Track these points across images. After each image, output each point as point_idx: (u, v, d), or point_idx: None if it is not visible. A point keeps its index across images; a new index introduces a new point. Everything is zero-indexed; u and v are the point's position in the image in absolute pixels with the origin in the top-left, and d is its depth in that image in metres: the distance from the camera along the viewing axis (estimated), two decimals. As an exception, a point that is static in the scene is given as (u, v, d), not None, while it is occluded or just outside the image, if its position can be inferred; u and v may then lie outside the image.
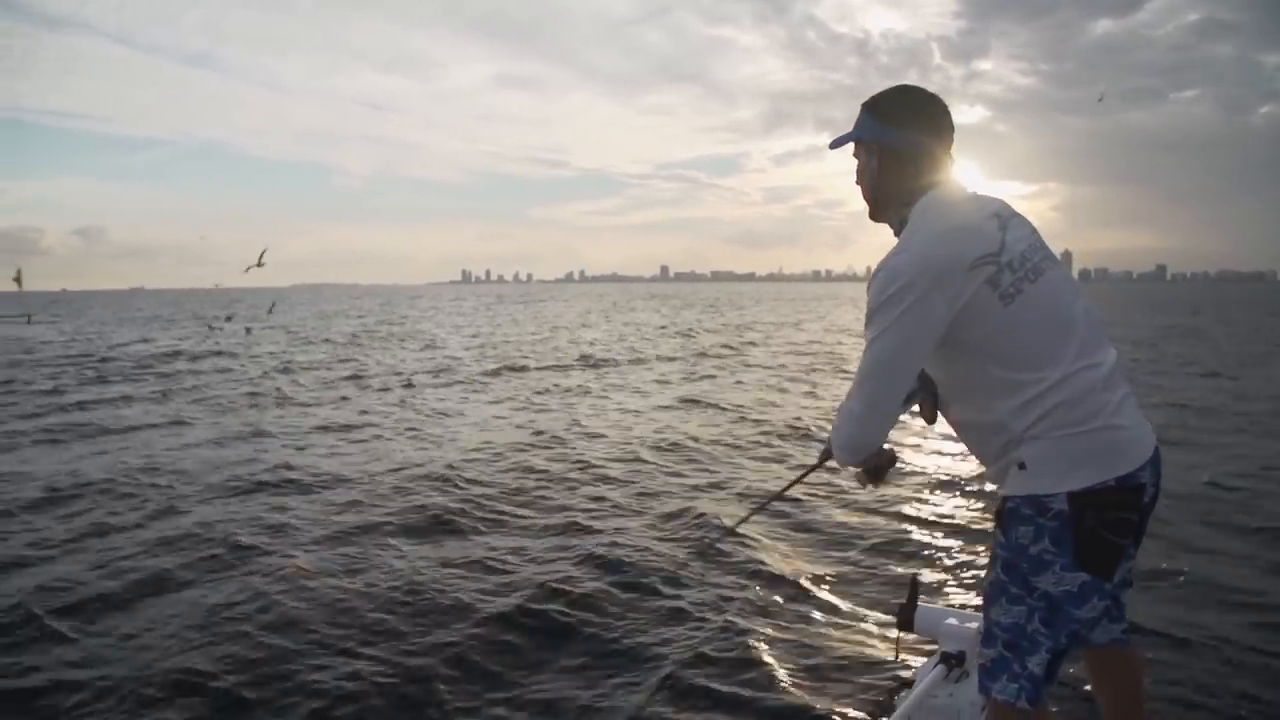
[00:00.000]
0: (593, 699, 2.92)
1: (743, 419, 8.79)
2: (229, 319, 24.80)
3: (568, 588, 3.84)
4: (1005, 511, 1.59)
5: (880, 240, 1.70)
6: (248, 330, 24.47)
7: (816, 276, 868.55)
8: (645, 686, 2.99)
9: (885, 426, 1.61)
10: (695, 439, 7.62)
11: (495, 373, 13.85)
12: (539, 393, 11.24)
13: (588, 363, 15.50)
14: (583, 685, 3.02)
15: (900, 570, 4.05)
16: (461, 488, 5.84)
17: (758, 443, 7.56)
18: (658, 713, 2.83)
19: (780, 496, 2.51)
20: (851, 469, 1.86)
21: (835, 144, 1.76)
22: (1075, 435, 1.50)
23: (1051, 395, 1.51)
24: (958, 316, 1.51)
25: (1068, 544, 1.51)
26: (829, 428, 1.75)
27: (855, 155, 1.74)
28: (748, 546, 4.40)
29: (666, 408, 9.78)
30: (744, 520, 3.34)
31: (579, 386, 11.91)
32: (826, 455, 1.93)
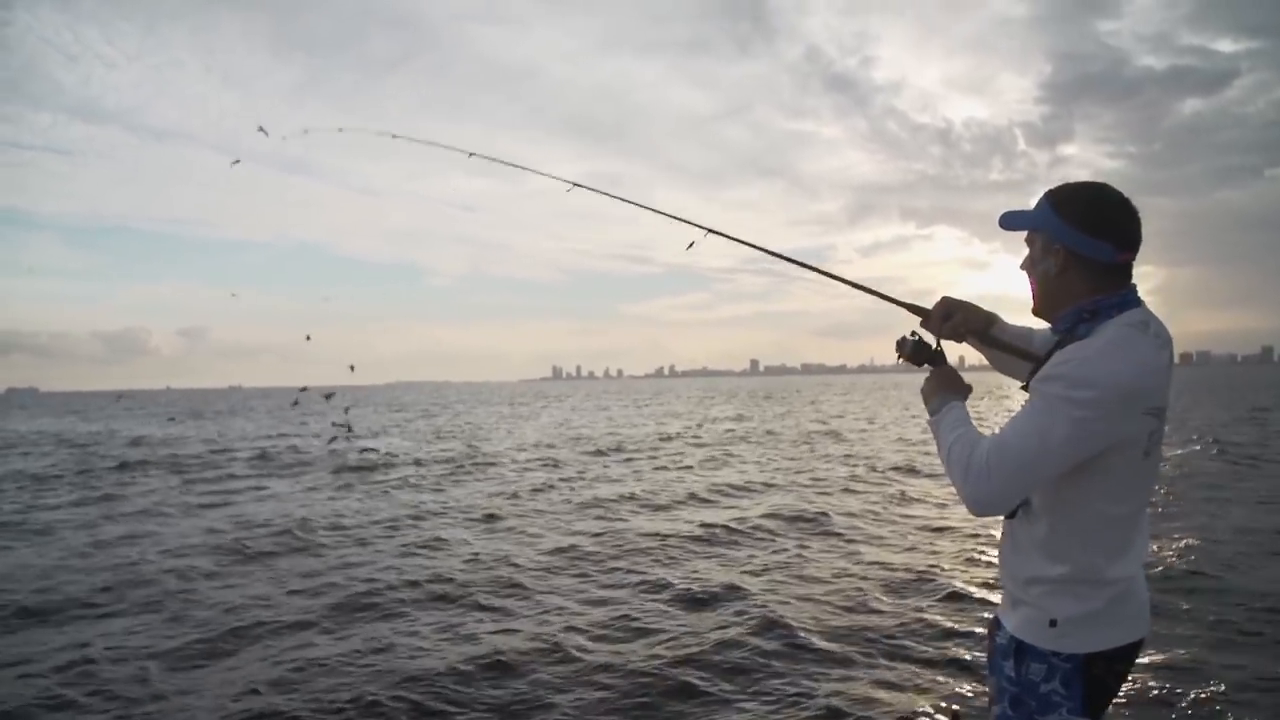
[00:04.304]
0: None
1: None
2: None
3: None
4: (1019, 647, 1.58)
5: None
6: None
7: (909, 367, 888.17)
8: None
9: (1007, 502, 1.54)
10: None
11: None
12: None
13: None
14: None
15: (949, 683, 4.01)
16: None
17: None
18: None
19: None
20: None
21: (1008, 223, 1.66)
22: (1110, 603, 1.52)
23: (1126, 558, 1.53)
24: (1107, 448, 1.47)
25: (1078, 688, 1.53)
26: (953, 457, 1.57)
27: (1027, 242, 1.66)
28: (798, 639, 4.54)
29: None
30: None
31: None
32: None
